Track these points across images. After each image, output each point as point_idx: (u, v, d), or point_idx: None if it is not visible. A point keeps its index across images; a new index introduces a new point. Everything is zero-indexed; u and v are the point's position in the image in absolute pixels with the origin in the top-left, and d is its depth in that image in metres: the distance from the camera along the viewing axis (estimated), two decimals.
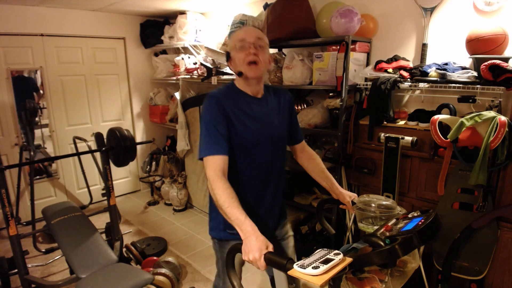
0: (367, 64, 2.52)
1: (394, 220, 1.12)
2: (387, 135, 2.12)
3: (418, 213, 1.14)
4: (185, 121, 3.68)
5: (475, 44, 1.90)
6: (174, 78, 3.94)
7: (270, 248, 1.04)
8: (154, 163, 4.28)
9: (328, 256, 0.92)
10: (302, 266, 0.89)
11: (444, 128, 1.88)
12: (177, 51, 4.14)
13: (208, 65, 3.28)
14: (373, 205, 1.33)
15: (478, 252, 1.80)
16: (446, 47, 2.17)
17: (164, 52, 4.38)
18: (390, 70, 2.18)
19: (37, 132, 3.87)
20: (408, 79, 2.11)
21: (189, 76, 3.72)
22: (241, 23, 2.86)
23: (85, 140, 3.45)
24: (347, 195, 1.48)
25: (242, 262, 1.42)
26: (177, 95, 3.69)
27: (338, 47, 2.26)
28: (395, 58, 2.26)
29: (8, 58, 3.36)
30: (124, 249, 2.62)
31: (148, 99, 4.42)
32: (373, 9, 2.46)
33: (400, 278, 1.04)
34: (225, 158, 1.27)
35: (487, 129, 1.66)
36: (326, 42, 2.48)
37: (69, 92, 3.81)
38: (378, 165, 2.24)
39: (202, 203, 3.83)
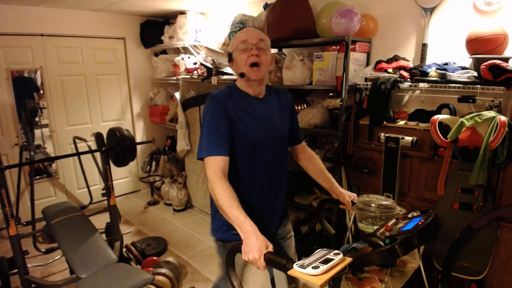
0: (367, 64, 2.52)
1: (394, 220, 1.12)
2: (387, 135, 2.12)
3: (418, 213, 1.14)
4: (185, 121, 3.68)
5: (475, 44, 1.90)
6: (174, 78, 3.94)
7: (270, 248, 1.04)
8: (154, 163, 4.28)
9: (328, 256, 0.92)
10: (302, 266, 0.89)
11: (444, 128, 1.88)
12: (177, 51, 4.14)
13: (208, 65, 3.28)
14: (373, 205, 1.33)
15: (478, 252, 1.80)
16: (446, 47, 2.17)
17: (164, 52, 4.38)
18: (390, 70, 2.18)
19: (37, 132, 3.87)
20: (408, 79, 2.11)
21: (189, 76, 3.71)
22: (241, 23, 2.86)
23: (85, 140, 3.45)
24: (347, 195, 1.48)
25: (245, 264, 1.41)
26: (177, 95, 3.69)
27: (338, 47, 2.26)
28: (395, 58, 2.26)
29: (8, 58, 3.36)
30: (124, 249, 2.62)
31: (148, 99, 4.42)
32: (373, 9, 2.46)
33: (400, 278, 1.04)
34: (226, 159, 1.27)
35: (487, 129, 1.66)
36: (326, 42, 2.48)
37: (69, 92, 3.81)
38: (378, 165, 2.24)
39: (202, 203, 3.83)
